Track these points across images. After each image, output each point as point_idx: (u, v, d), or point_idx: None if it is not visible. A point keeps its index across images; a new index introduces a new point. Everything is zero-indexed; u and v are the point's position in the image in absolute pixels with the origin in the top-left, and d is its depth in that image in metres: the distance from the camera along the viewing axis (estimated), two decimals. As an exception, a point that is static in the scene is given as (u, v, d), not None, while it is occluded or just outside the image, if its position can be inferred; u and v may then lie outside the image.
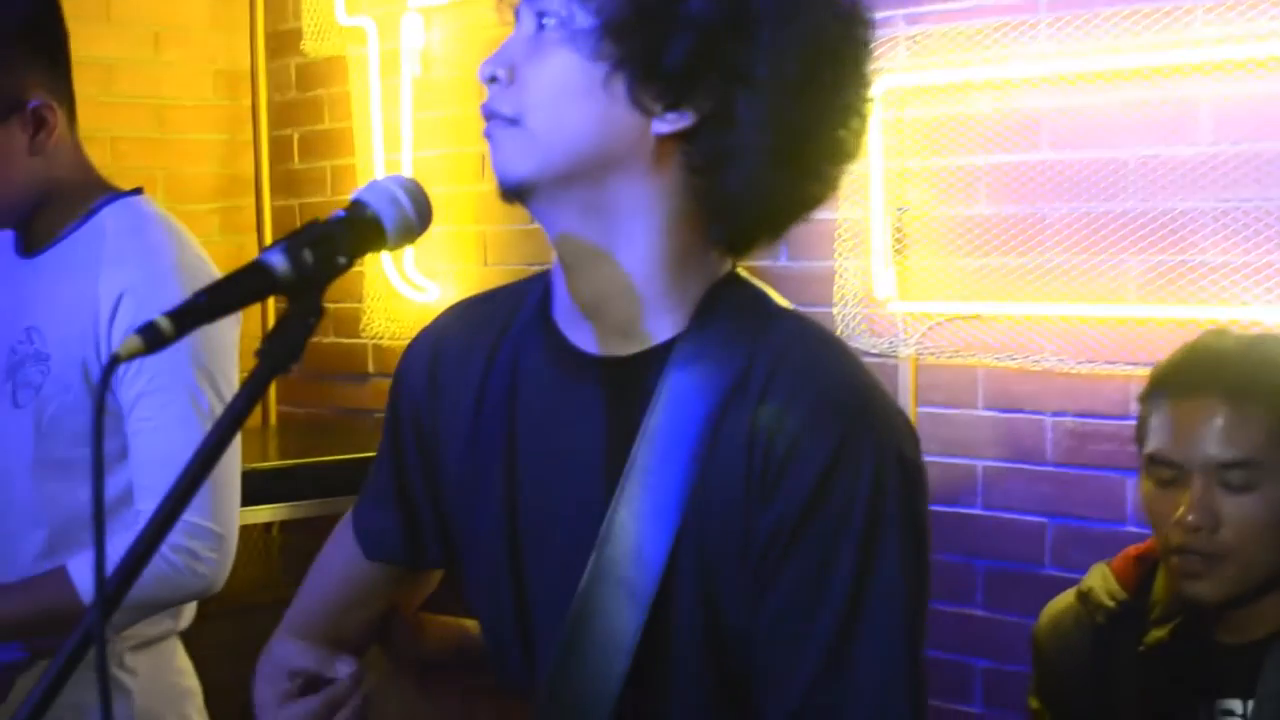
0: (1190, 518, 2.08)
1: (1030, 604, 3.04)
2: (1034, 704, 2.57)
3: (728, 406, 1.45)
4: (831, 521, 1.41)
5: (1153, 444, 2.15)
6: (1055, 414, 3.19)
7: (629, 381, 1.51)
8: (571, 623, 1.48)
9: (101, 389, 1.20)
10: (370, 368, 4.65)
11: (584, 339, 1.55)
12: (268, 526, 4.58)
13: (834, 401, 1.45)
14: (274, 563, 4.36)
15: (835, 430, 1.42)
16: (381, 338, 4.53)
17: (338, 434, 4.57)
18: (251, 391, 1.32)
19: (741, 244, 1.53)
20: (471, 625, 1.75)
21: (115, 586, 1.23)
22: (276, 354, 1.30)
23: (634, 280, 1.50)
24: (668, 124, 1.45)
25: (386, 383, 5.08)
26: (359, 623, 1.79)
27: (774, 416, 1.43)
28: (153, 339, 1.21)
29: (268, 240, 4.78)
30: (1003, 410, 3.24)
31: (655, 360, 1.50)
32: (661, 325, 1.51)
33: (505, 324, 1.64)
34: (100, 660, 1.22)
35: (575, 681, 1.47)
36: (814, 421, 1.43)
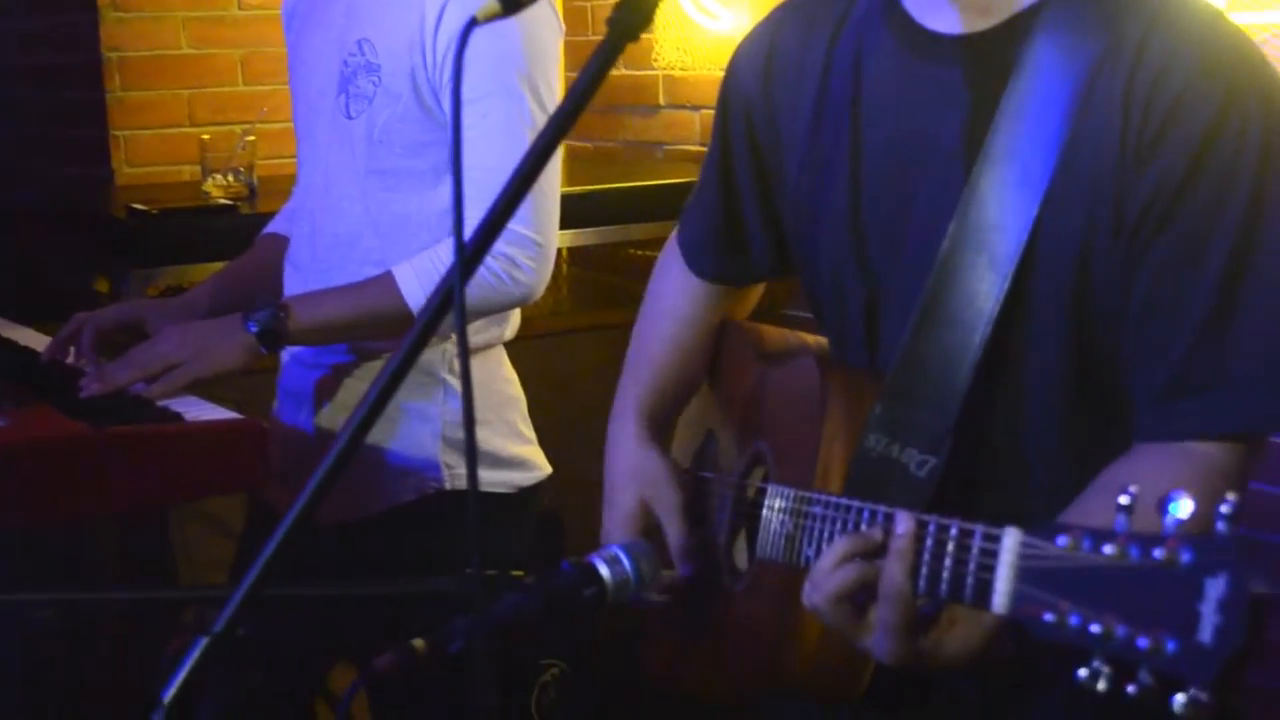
0: None
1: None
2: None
3: (1099, 70, 1.41)
4: (1217, 180, 1.36)
5: None
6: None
7: (990, 56, 1.48)
8: (930, 292, 1.47)
9: (460, 49, 1.21)
10: (661, 99, 4.60)
11: (939, 20, 1.52)
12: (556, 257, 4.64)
13: (1218, 61, 1.39)
14: (563, 292, 4.43)
15: (1220, 89, 1.37)
16: (673, 68, 4.47)
17: (628, 165, 4.57)
18: (600, 64, 1.30)
19: None
20: (804, 335, 1.75)
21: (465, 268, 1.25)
22: (627, 21, 1.28)
23: None
24: None
25: (678, 115, 5.02)
26: (698, 340, 1.81)
27: (1153, 77, 1.37)
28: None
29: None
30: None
31: (1018, 30, 1.46)
32: None
33: (844, 13, 1.62)
34: (460, 326, 1.23)
35: (933, 352, 1.46)
36: (1197, 81, 1.37)
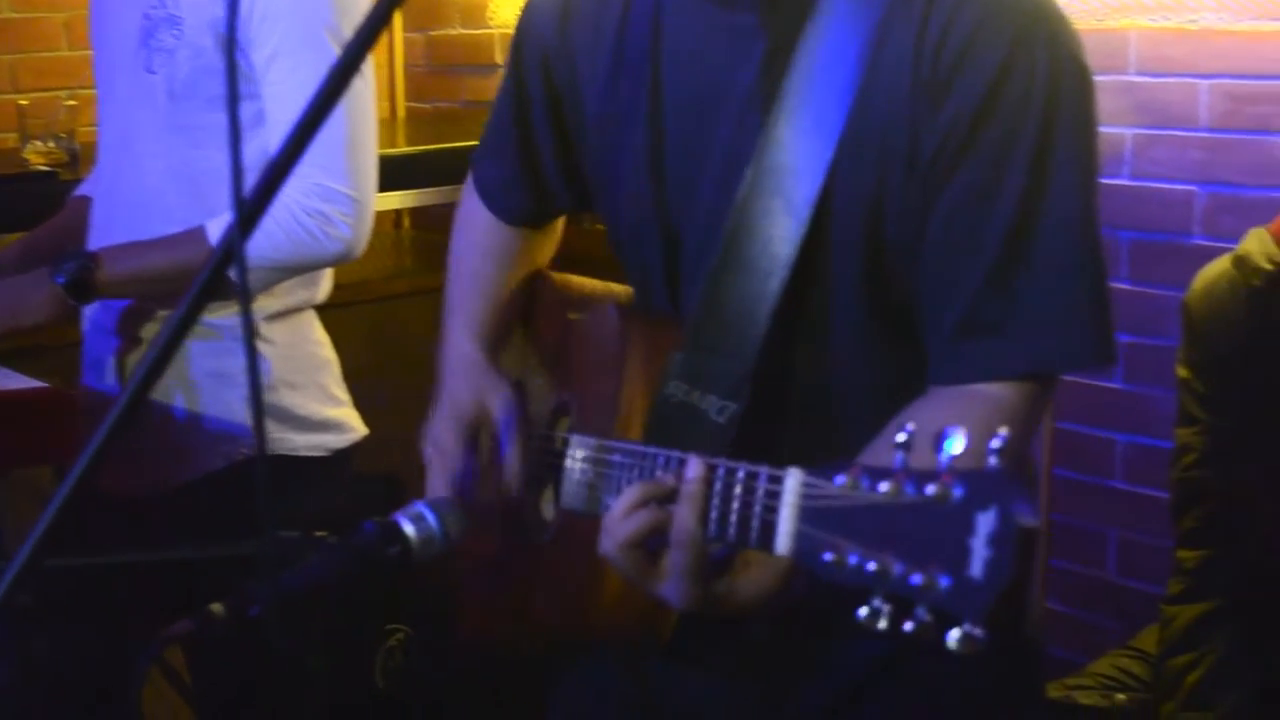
0: None
1: (1176, 275, 2.96)
2: (1182, 373, 2.52)
3: (893, 14, 1.41)
4: (1006, 122, 1.38)
5: None
6: (1211, 76, 3.05)
7: (786, 1, 1.46)
8: (728, 238, 1.47)
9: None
10: (498, 58, 4.57)
11: None
12: (397, 219, 4.60)
13: (1008, 5, 1.40)
14: (404, 254, 4.39)
15: (1009, 29, 1.38)
16: (509, 26, 4.44)
17: (467, 124, 4.53)
18: (383, 11, 1.27)
19: None
20: (613, 285, 1.75)
21: (246, 222, 1.21)
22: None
23: None
24: None
25: (515, 72, 4.86)
26: (509, 275, 1.80)
27: (944, 20, 1.39)
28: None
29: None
30: (1155, 75, 3.11)
31: None
32: None
33: None
34: (241, 282, 1.19)
35: (731, 298, 1.46)
36: (987, 23, 1.39)
